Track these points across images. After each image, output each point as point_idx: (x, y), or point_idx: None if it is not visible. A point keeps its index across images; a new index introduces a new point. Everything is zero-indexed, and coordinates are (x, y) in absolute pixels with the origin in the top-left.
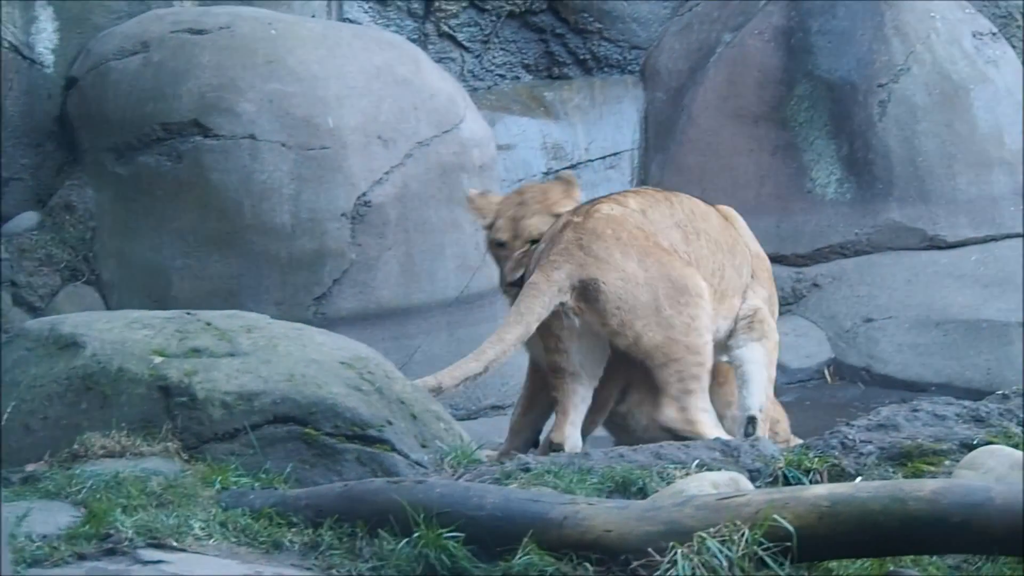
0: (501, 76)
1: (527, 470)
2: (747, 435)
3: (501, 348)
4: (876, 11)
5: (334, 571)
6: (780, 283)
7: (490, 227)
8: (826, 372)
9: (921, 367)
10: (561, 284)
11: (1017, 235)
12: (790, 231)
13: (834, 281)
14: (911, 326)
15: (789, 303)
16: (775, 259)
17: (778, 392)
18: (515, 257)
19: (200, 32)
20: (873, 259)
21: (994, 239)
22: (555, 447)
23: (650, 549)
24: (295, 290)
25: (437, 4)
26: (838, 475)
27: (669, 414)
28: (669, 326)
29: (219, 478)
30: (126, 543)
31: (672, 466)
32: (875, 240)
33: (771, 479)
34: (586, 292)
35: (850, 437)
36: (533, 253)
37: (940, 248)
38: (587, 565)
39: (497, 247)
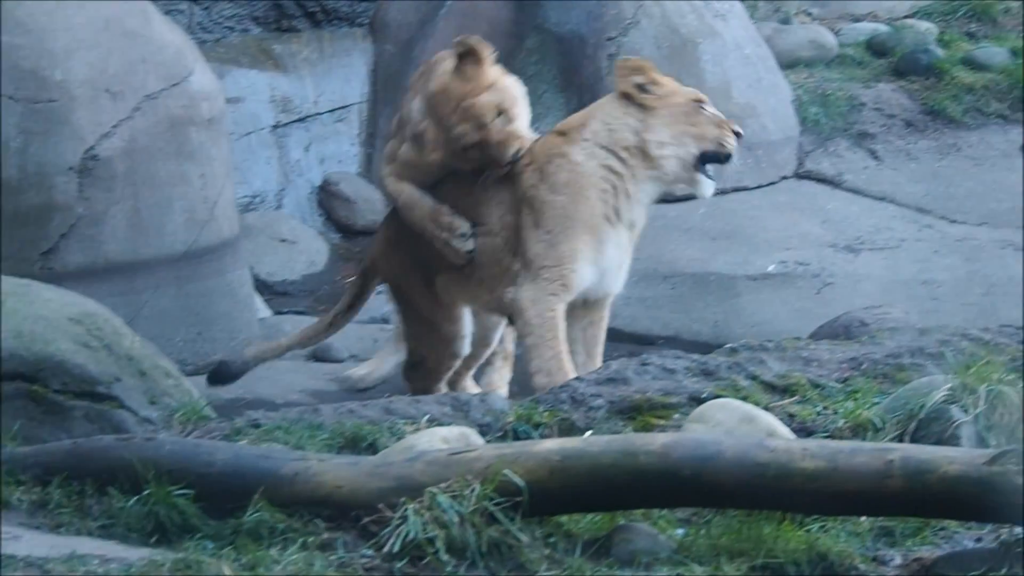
0: (230, 28)
1: (257, 426)
2: None
3: None
4: None
5: (63, 529)
6: None
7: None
8: None
9: (649, 320)
10: None
11: (744, 188)
12: None
13: None
14: (639, 279)
15: None
16: None
17: None
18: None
19: None
20: None
21: (722, 192)
22: None
23: (381, 505)
24: (21, 245)
25: None
26: (568, 429)
27: None
28: None
29: None
30: None
31: (402, 421)
32: None
33: (501, 434)
34: None
35: (580, 391)
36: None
37: (668, 202)
38: (318, 522)
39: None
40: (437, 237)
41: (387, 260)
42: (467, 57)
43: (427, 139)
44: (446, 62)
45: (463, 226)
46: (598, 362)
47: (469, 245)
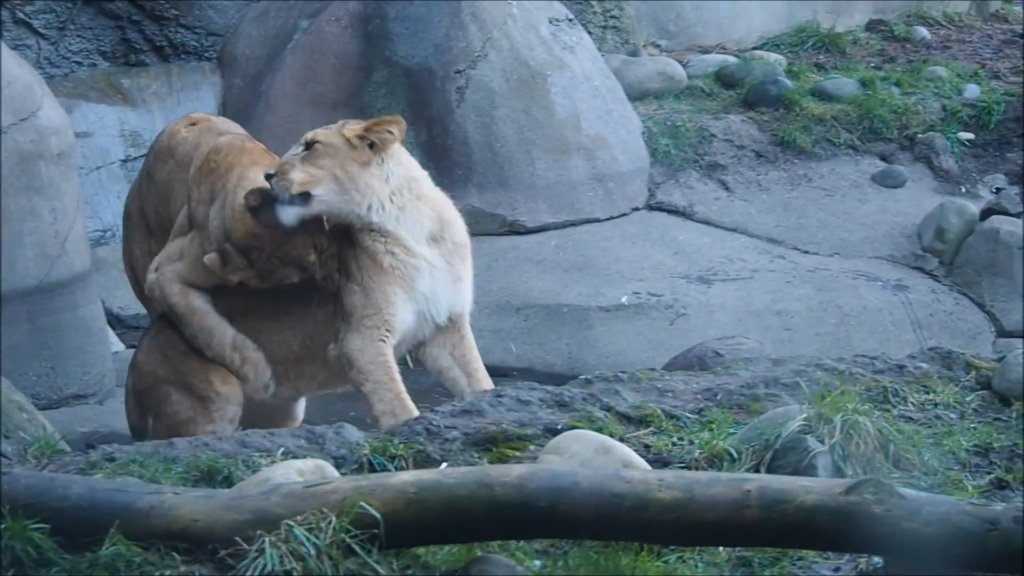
0: (78, 63)
1: (112, 459)
2: None
3: None
4: None
5: None
6: None
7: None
8: (407, 358)
9: (503, 352)
10: None
11: (595, 220)
12: None
13: None
14: (492, 311)
15: None
16: None
17: None
18: None
19: None
20: None
21: (573, 224)
22: None
23: (238, 538)
24: None
25: None
26: (424, 461)
27: None
28: None
29: None
30: None
31: (257, 454)
32: None
33: (356, 466)
34: None
35: (435, 423)
36: None
37: (520, 233)
38: (175, 555)
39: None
40: (235, 371)
41: (163, 369)
42: (263, 207)
43: (232, 262)
44: (199, 144)
45: (264, 372)
46: (483, 381)
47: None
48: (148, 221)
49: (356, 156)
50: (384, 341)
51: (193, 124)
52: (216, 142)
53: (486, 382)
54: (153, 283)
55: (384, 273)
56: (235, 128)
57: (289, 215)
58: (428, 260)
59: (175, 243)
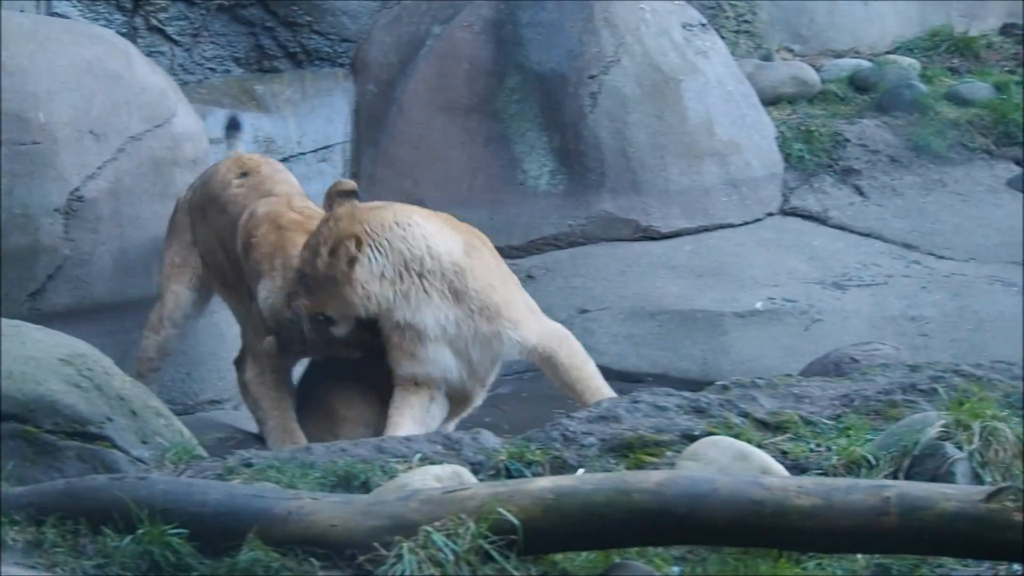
0: (211, 70)
1: (249, 465)
2: None
3: None
4: (585, 3)
5: (58, 569)
6: None
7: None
8: None
9: (637, 358)
10: None
11: (729, 225)
12: (503, 223)
13: (548, 273)
14: (626, 317)
15: None
16: None
17: (496, 383)
18: None
19: None
20: (587, 250)
21: (706, 229)
22: None
23: (376, 543)
24: (9, 286)
25: None
26: (560, 467)
27: None
28: None
29: None
30: None
31: (394, 460)
32: (588, 231)
33: (493, 472)
34: None
35: (571, 429)
36: None
37: (653, 239)
38: (313, 560)
39: None
40: None
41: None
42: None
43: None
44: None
45: None
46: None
47: None
48: (195, 239)
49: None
50: None
51: (244, 174)
52: (256, 213)
53: (600, 394)
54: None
55: None
56: (281, 180)
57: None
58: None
59: (247, 330)
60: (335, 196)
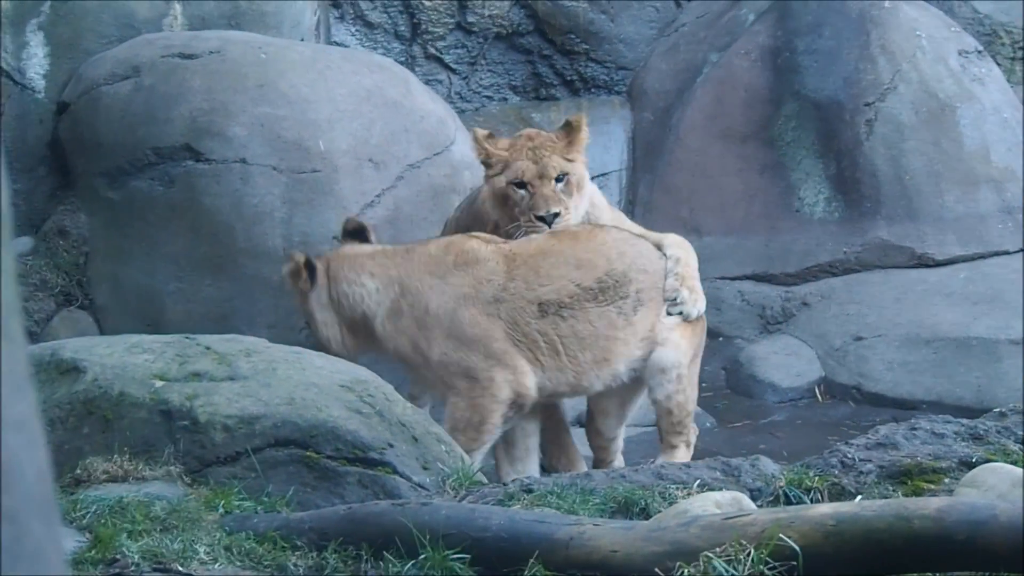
0: (488, 98)
1: (530, 491)
2: None
3: None
4: (862, 30)
5: None
6: (770, 302)
7: (500, 171)
8: (817, 391)
9: (912, 385)
10: None
11: (1005, 252)
12: (779, 250)
13: (823, 300)
14: (901, 344)
15: (779, 322)
16: (764, 278)
17: (770, 411)
18: (548, 192)
19: (191, 56)
20: (862, 277)
21: (982, 257)
22: None
23: (656, 570)
24: (287, 313)
25: (424, 27)
26: (838, 494)
27: None
28: None
29: (222, 502)
30: (132, 568)
31: (673, 486)
32: (864, 258)
33: (772, 498)
34: None
35: (849, 455)
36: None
37: (929, 266)
38: None
39: (516, 187)
40: None
41: None
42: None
43: None
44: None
45: None
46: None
47: None
48: None
49: None
50: None
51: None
52: None
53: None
54: None
55: None
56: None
57: None
58: None
59: None
60: (344, 232)
